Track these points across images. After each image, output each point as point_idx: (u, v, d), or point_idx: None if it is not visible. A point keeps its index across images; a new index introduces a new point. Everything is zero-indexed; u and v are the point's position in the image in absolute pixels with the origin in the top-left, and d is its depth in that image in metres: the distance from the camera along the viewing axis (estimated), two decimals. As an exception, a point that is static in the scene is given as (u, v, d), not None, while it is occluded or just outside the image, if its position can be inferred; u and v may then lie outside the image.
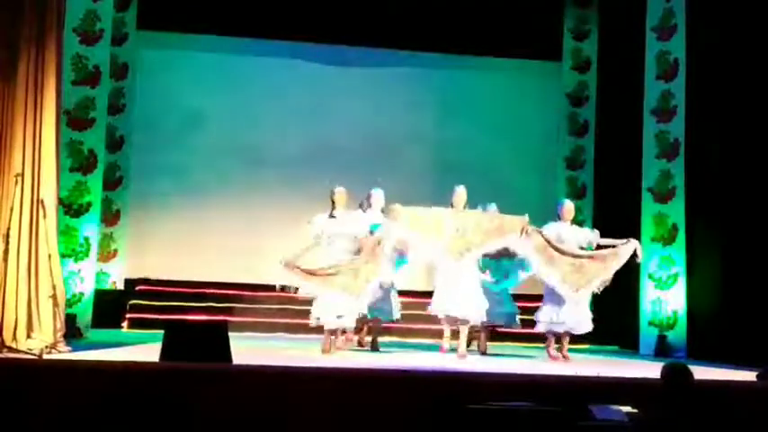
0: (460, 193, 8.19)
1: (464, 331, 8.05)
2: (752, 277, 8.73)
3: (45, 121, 6.92)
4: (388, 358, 7.83)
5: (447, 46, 11.87)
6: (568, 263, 8.07)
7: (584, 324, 8.19)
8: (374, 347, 8.44)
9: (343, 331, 8.28)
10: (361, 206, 8.37)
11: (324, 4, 11.45)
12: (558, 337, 8.30)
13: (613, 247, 8.23)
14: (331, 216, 8.10)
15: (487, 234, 7.98)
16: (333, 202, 8.16)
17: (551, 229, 8.23)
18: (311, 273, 7.75)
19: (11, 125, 6.82)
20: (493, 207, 8.46)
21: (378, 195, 8.28)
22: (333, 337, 7.96)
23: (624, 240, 8.28)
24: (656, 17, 9.95)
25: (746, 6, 9.03)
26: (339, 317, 7.80)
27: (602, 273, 8.11)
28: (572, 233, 8.30)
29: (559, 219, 8.34)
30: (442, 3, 11.65)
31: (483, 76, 12.10)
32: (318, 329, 8.33)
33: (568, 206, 8.44)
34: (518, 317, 8.69)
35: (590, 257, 8.16)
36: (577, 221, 8.90)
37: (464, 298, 7.93)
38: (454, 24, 11.73)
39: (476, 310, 7.98)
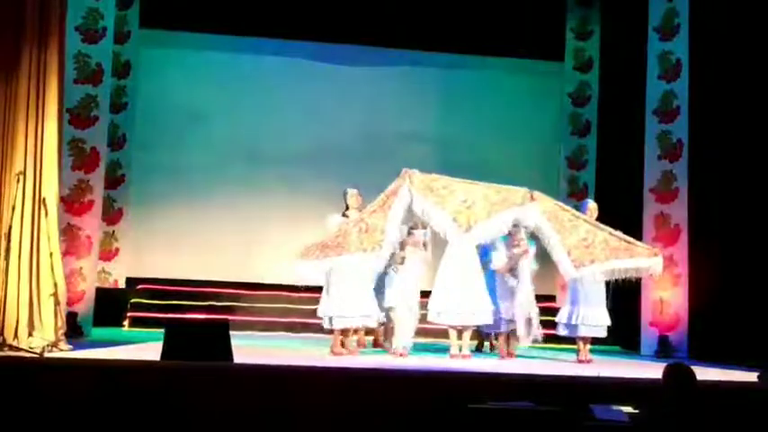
0: None
1: (467, 333, 7.97)
2: (753, 278, 8.73)
3: (47, 120, 6.93)
4: (389, 358, 7.81)
5: (449, 45, 11.87)
6: (580, 237, 8.04)
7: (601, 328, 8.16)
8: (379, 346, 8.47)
9: (355, 331, 8.14)
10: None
11: (326, 3, 11.45)
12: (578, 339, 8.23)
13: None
14: (344, 215, 8.12)
15: (493, 206, 7.98)
16: (347, 204, 8.19)
17: None
18: (324, 246, 7.65)
19: (13, 123, 6.83)
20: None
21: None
22: (344, 338, 7.88)
23: (649, 247, 8.30)
24: (659, 17, 9.92)
25: (749, 7, 9.02)
26: (363, 316, 7.76)
27: (608, 260, 8.02)
28: None
29: None
30: (444, 2, 11.65)
31: (485, 75, 12.09)
32: (318, 329, 8.33)
33: (592, 206, 8.43)
34: None
35: (605, 240, 8.06)
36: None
37: (465, 301, 7.78)
38: (456, 24, 11.73)
39: (480, 312, 7.84)
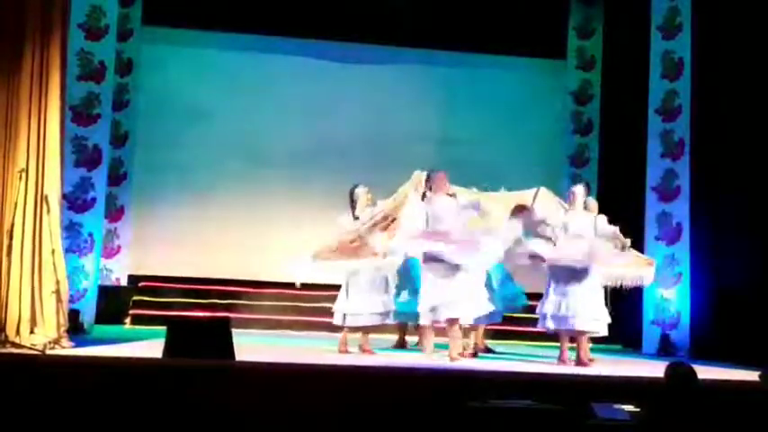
0: None
1: (456, 331, 7.48)
2: (755, 277, 8.72)
3: (49, 117, 6.93)
4: (389, 357, 7.81)
5: (451, 43, 11.85)
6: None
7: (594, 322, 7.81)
8: (402, 345, 8.46)
9: (367, 331, 7.87)
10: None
11: (329, 1, 11.45)
12: (572, 337, 7.75)
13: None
14: (355, 218, 7.82)
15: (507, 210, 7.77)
16: (353, 202, 7.91)
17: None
18: (341, 250, 7.46)
19: (15, 120, 6.83)
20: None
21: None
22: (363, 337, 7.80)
23: (644, 257, 8.14)
24: (661, 16, 9.92)
25: (752, 5, 9.01)
26: (372, 314, 7.65)
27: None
28: None
29: None
30: (446, 0, 11.64)
31: (487, 73, 12.07)
32: (320, 327, 8.33)
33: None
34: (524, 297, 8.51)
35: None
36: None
37: (457, 297, 7.27)
38: (459, 22, 11.71)
39: (472, 308, 7.38)
